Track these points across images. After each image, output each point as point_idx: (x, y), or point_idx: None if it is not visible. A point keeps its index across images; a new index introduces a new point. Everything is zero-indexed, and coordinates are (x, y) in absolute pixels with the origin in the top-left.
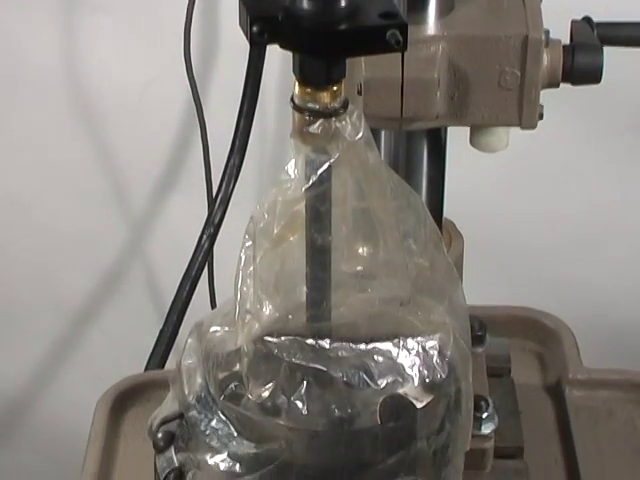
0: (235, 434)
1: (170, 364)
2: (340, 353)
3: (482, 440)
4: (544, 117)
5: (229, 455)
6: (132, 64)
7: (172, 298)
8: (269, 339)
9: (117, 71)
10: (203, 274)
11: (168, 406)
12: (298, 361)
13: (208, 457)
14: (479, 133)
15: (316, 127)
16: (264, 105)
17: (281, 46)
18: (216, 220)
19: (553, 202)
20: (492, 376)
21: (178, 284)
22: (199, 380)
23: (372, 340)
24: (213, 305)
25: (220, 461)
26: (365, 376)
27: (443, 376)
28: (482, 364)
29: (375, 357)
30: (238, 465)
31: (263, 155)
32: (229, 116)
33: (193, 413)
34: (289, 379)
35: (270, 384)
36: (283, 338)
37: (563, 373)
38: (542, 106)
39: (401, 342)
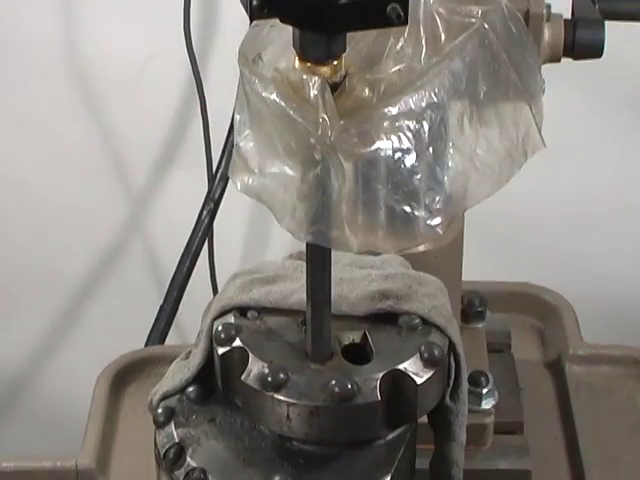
0: None
1: (170, 340)
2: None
3: (482, 415)
4: (545, 92)
5: None
6: (132, 40)
7: (172, 274)
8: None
9: (117, 47)
10: (203, 250)
11: (168, 381)
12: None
13: None
14: None
15: None
16: None
17: (281, 20)
18: (216, 196)
19: (554, 178)
20: (492, 352)
21: (178, 260)
22: None
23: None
24: (213, 281)
25: None
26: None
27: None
28: (482, 340)
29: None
30: None
31: None
32: (229, 92)
33: None
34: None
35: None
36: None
37: (563, 349)
38: (544, 81)
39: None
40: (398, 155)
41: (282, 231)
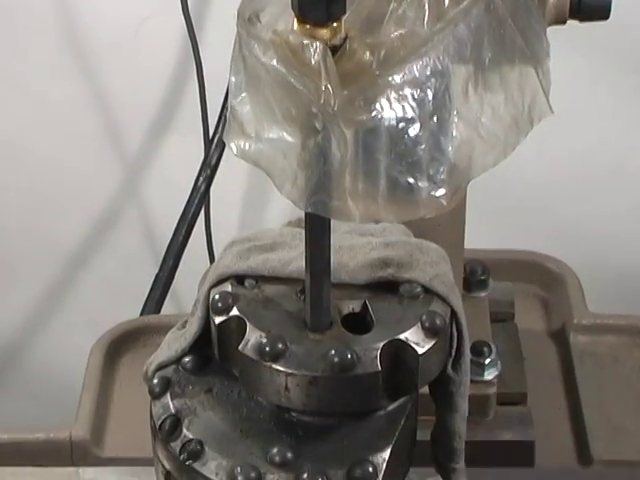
0: None
1: (166, 309)
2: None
3: (485, 386)
4: (550, 56)
5: None
6: (127, 1)
7: (168, 242)
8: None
9: (111, 8)
10: (199, 217)
11: (164, 351)
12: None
13: None
14: None
15: None
16: None
17: None
18: (213, 162)
19: (558, 143)
20: (495, 321)
21: (174, 227)
22: None
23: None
24: (210, 249)
25: None
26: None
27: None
28: (485, 309)
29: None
30: None
31: None
32: (226, 55)
33: None
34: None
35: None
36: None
37: (568, 318)
38: (549, 45)
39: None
40: (402, 125)
41: (281, 198)
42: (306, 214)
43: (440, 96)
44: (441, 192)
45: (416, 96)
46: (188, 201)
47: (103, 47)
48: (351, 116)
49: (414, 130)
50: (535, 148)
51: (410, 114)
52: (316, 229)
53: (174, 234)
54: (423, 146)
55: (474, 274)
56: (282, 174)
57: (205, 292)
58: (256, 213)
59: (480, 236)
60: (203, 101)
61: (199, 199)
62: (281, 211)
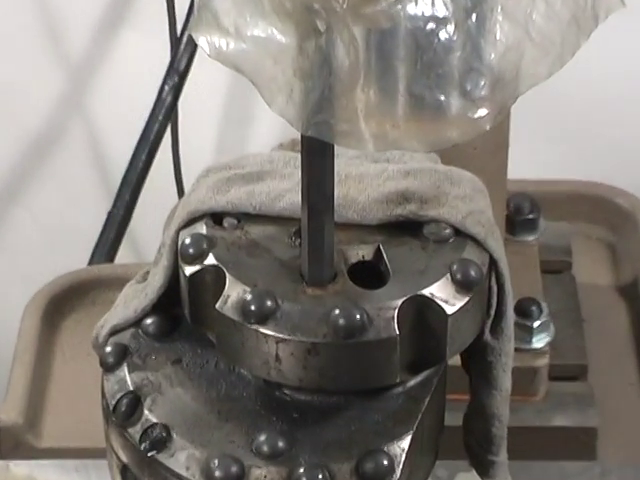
0: None
1: (121, 257)
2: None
3: (533, 356)
4: None
5: None
6: None
7: (124, 171)
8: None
9: None
10: (165, 138)
11: (119, 311)
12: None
13: None
14: None
15: None
16: None
17: None
18: (181, 66)
19: (624, 48)
20: (547, 272)
21: (132, 152)
22: None
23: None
24: (178, 179)
25: None
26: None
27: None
28: (534, 257)
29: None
30: None
31: None
32: None
33: None
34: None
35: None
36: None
37: None
38: None
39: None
40: (430, 26)
41: (270, 114)
42: (303, 135)
43: None
44: (481, 113)
45: None
46: (150, 118)
47: None
48: (364, 13)
49: (446, 32)
50: (601, 55)
51: (441, 12)
52: (315, 153)
53: (132, 160)
54: (458, 53)
55: (520, 212)
56: (272, 84)
57: (172, 235)
58: (238, 133)
59: (530, 164)
60: None
61: (164, 115)
62: (270, 130)
